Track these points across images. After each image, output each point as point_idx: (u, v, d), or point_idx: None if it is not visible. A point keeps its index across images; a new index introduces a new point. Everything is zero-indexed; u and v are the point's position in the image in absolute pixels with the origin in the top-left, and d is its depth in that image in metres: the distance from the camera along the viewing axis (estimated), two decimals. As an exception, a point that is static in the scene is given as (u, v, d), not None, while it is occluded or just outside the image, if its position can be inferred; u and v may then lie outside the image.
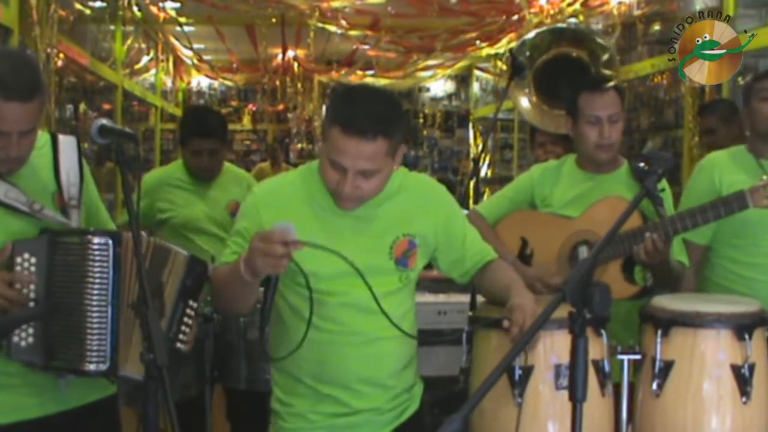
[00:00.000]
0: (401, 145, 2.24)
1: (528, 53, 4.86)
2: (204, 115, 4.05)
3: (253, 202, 2.30)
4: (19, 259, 2.10)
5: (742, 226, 2.84)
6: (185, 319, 2.25)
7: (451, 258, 2.40)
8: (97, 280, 2.09)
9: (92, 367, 2.09)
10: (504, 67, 9.24)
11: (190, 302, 2.27)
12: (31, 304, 2.11)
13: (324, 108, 12.16)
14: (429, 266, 2.44)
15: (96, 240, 2.11)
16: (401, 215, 2.30)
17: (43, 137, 2.26)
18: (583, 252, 2.70)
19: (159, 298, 2.17)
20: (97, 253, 2.10)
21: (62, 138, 2.33)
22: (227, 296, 2.27)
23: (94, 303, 2.09)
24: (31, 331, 2.10)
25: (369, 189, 2.18)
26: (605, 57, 4.79)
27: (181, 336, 2.25)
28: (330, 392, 2.25)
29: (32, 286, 2.11)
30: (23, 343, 2.10)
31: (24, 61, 2.14)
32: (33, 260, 2.11)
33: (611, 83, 2.95)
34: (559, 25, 5.50)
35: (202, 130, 3.76)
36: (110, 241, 2.11)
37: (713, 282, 2.96)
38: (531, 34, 5.05)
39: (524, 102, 4.97)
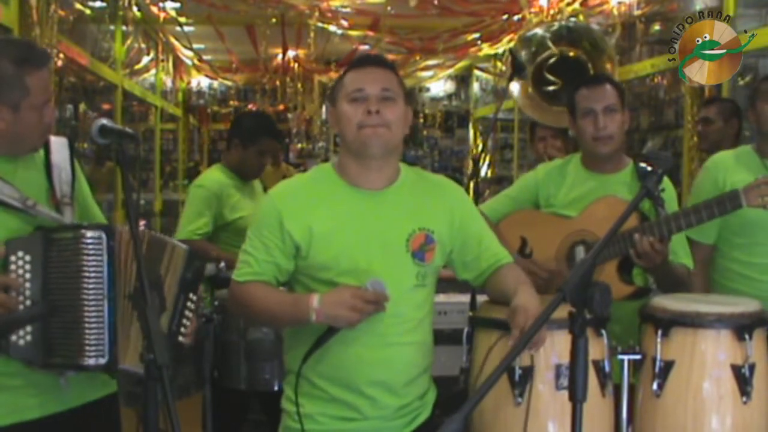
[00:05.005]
0: (408, 108, 2.32)
1: (533, 49, 4.86)
2: (271, 118, 4.43)
3: (271, 206, 2.28)
4: (13, 258, 2.11)
5: (743, 227, 2.84)
6: (186, 313, 2.27)
7: (466, 258, 2.40)
8: (93, 274, 2.10)
9: (91, 361, 2.10)
10: (504, 68, 9.24)
11: (191, 296, 2.28)
12: (28, 302, 2.11)
13: (324, 107, 12.19)
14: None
15: (89, 234, 2.12)
16: (418, 210, 2.30)
17: None
18: (580, 252, 2.70)
19: (158, 291, 2.17)
20: (90, 246, 2.11)
21: (54, 139, 2.35)
22: (261, 316, 2.32)
23: (91, 297, 2.10)
24: (29, 329, 2.11)
25: (391, 117, 2.22)
26: (600, 52, 4.81)
27: (182, 329, 2.26)
28: (341, 396, 2.24)
29: (27, 284, 2.11)
30: (21, 342, 2.10)
31: (23, 38, 2.22)
32: (27, 258, 2.12)
33: (607, 79, 2.98)
34: (562, 23, 5.49)
35: (274, 131, 4.11)
36: (103, 235, 2.13)
37: (719, 283, 2.96)
38: (534, 31, 5.05)
39: (523, 97, 4.98)
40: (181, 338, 2.26)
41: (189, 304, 2.28)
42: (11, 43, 2.25)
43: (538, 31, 5.02)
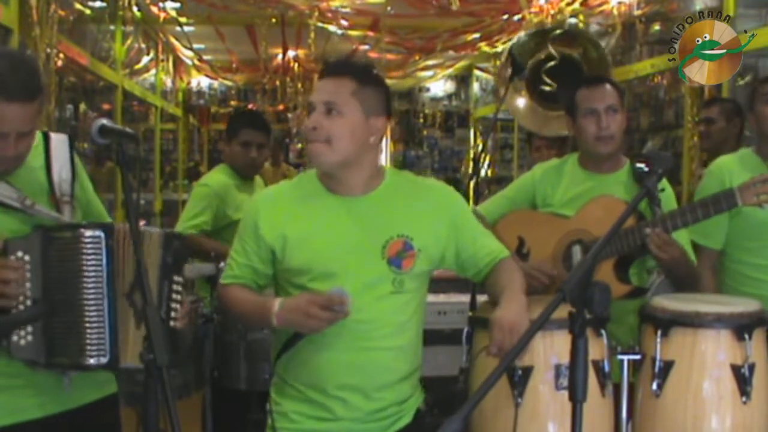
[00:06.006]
0: (382, 117, 2.27)
1: (526, 55, 4.87)
2: (254, 112, 4.55)
3: (251, 210, 2.34)
4: (12, 258, 2.10)
5: (754, 229, 2.83)
6: (173, 296, 2.24)
7: (462, 257, 2.38)
8: (92, 274, 2.10)
9: (92, 360, 2.10)
10: (503, 69, 9.22)
11: (175, 278, 2.25)
12: (28, 302, 2.10)
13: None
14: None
15: (88, 233, 2.11)
16: (399, 216, 2.28)
17: (36, 136, 2.24)
18: (577, 251, 2.69)
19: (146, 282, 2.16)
20: (89, 246, 2.10)
21: (54, 136, 2.33)
22: (240, 319, 2.41)
23: (91, 296, 2.09)
24: (30, 329, 2.10)
25: (333, 132, 2.19)
26: (596, 54, 4.81)
27: (172, 314, 2.24)
28: (315, 397, 2.25)
29: (27, 284, 2.10)
30: (23, 342, 2.10)
31: (24, 62, 2.13)
32: (27, 258, 2.11)
33: (607, 79, 2.98)
34: (547, 26, 5.51)
35: (254, 123, 4.11)
36: (102, 234, 2.12)
37: (728, 285, 2.95)
38: (517, 38, 5.08)
39: (519, 104, 4.98)
40: (172, 323, 2.23)
41: (174, 287, 2.25)
42: (4, 57, 2.11)
43: (531, 33, 5.03)
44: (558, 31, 4.94)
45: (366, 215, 2.27)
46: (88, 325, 2.09)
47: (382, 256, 2.24)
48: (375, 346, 2.23)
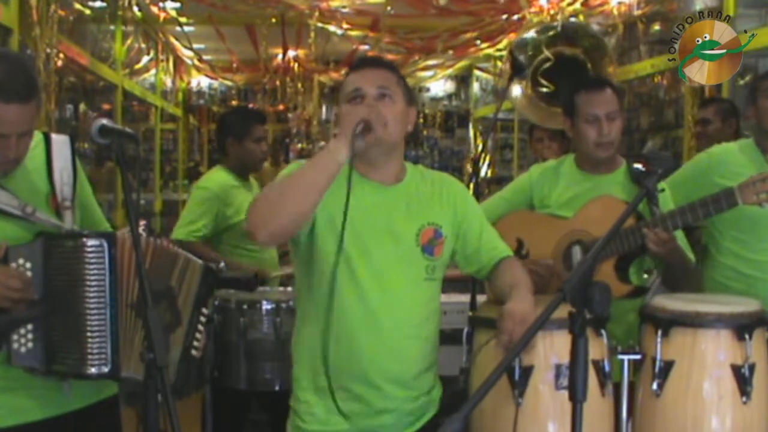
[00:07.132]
0: (414, 107, 2.36)
1: (530, 53, 4.87)
2: (256, 108, 4.41)
3: None
4: (14, 265, 2.09)
5: (746, 221, 2.83)
6: (199, 327, 2.31)
7: (467, 251, 2.43)
8: (94, 283, 2.10)
9: (94, 370, 2.10)
10: (503, 68, 9.22)
11: (203, 310, 2.32)
12: None
13: (324, 108, 12.20)
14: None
15: (90, 243, 2.11)
16: (426, 205, 2.35)
17: (36, 136, 2.24)
18: (577, 252, 2.69)
19: (169, 303, 2.19)
20: (92, 255, 2.10)
21: (55, 137, 2.33)
22: (297, 189, 2.14)
23: (92, 306, 2.09)
24: (30, 336, 2.10)
25: (389, 114, 2.23)
26: (602, 54, 4.81)
27: (195, 343, 2.30)
28: (354, 389, 2.24)
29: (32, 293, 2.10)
30: (23, 349, 2.10)
31: (20, 63, 2.13)
32: (28, 265, 2.11)
33: (607, 83, 2.97)
34: (554, 23, 5.51)
35: (262, 118, 4.16)
36: (105, 243, 2.12)
37: (716, 281, 2.95)
38: (531, 33, 5.08)
39: (521, 98, 4.99)
40: (193, 352, 2.30)
41: (201, 318, 2.32)
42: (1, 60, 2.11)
43: (533, 34, 5.04)
44: (552, 32, 4.94)
45: (400, 203, 2.32)
46: (89, 334, 2.09)
47: (416, 243, 2.30)
48: (410, 334, 2.28)
